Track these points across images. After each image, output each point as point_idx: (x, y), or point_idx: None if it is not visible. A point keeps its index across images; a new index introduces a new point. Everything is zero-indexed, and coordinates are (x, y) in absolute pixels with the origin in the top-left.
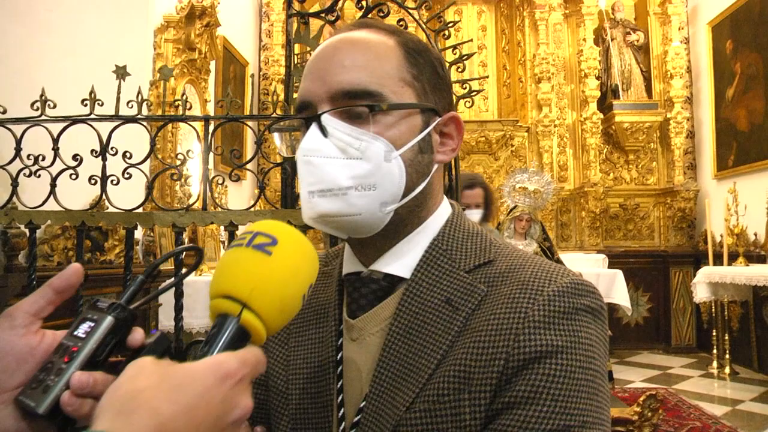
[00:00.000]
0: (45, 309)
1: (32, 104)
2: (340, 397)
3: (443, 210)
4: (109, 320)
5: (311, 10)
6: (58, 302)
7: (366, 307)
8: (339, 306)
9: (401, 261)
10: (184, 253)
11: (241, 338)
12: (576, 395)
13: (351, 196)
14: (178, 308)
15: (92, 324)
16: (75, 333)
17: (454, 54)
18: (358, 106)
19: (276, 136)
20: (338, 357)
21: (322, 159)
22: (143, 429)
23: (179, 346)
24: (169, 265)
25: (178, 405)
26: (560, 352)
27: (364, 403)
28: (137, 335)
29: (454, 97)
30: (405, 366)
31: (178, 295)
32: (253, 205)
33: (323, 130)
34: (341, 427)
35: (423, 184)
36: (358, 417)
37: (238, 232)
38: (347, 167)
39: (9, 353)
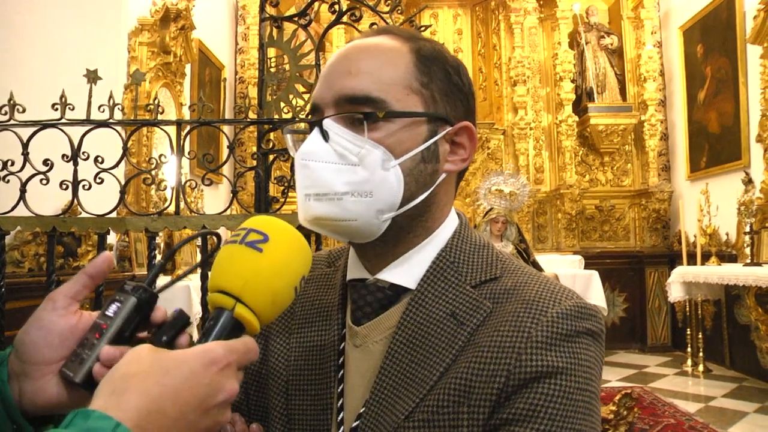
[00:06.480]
0: (81, 292)
1: (0, 108)
2: (340, 401)
3: (451, 221)
4: (132, 300)
5: (287, 14)
6: (92, 286)
7: (370, 314)
8: (342, 311)
9: (408, 271)
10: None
11: (235, 329)
12: (572, 415)
13: (346, 201)
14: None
15: (119, 304)
16: (106, 312)
17: None
18: (358, 112)
19: (288, 137)
20: (340, 361)
21: (318, 163)
22: (132, 408)
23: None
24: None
25: (165, 387)
26: (560, 373)
27: (363, 408)
28: (159, 313)
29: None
30: (407, 375)
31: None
32: (226, 209)
33: (325, 135)
34: (339, 431)
35: (425, 194)
36: (357, 422)
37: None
38: (343, 173)
39: (52, 331)
